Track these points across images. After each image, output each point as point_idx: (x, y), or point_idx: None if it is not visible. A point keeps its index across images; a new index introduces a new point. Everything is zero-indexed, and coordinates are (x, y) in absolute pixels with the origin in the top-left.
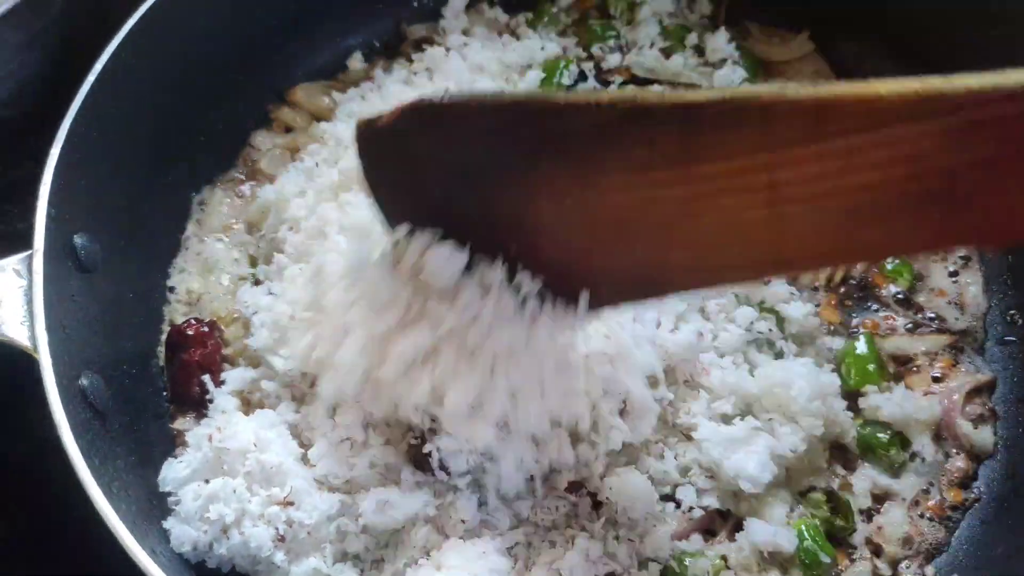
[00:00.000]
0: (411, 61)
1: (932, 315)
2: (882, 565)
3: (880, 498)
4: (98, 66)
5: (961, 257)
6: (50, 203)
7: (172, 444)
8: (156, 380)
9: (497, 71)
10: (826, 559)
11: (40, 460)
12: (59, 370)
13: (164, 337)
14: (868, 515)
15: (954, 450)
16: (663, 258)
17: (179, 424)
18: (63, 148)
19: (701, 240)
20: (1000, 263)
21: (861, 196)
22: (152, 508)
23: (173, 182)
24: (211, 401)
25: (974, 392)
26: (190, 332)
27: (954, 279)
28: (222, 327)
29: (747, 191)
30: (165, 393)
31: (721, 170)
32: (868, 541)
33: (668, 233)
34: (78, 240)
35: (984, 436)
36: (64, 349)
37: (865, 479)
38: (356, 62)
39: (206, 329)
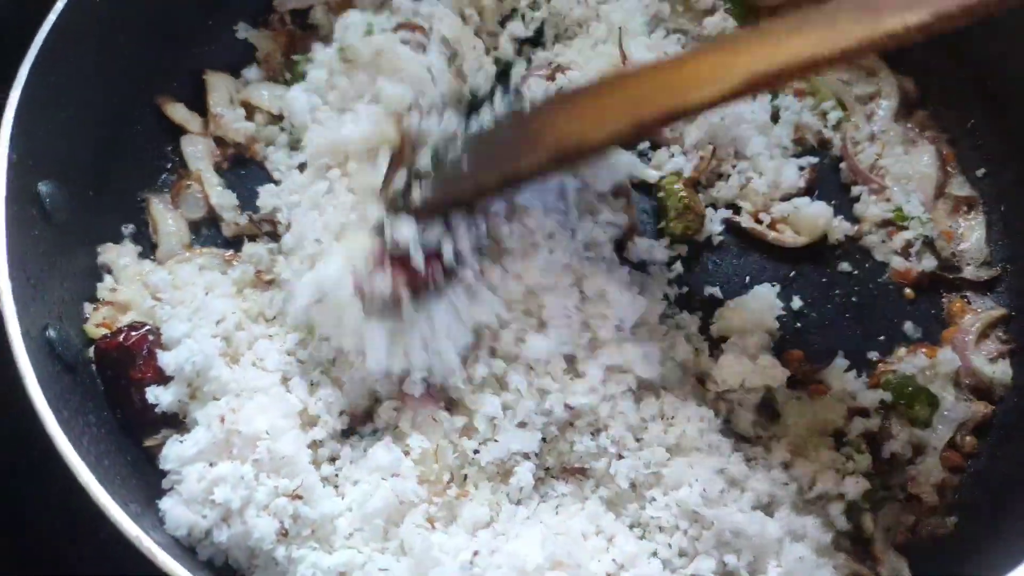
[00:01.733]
0: None
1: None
2: None
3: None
4: (59, 5)
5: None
6: (11, 147)
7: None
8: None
9: None
10: None
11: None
12: (25, 320)
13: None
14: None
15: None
16: None
17: (152, 441)
18: (23, 92)
19: None
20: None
21: None
22: (125, 464)
23: (143, 131)
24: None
25: (989, 329)
26: (130, 343)
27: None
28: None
29: None
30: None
31: None
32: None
33: None
34: (43, 188)
35: (1003, 371)
36: (30, 299)
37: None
38: None
39: (142, 332)
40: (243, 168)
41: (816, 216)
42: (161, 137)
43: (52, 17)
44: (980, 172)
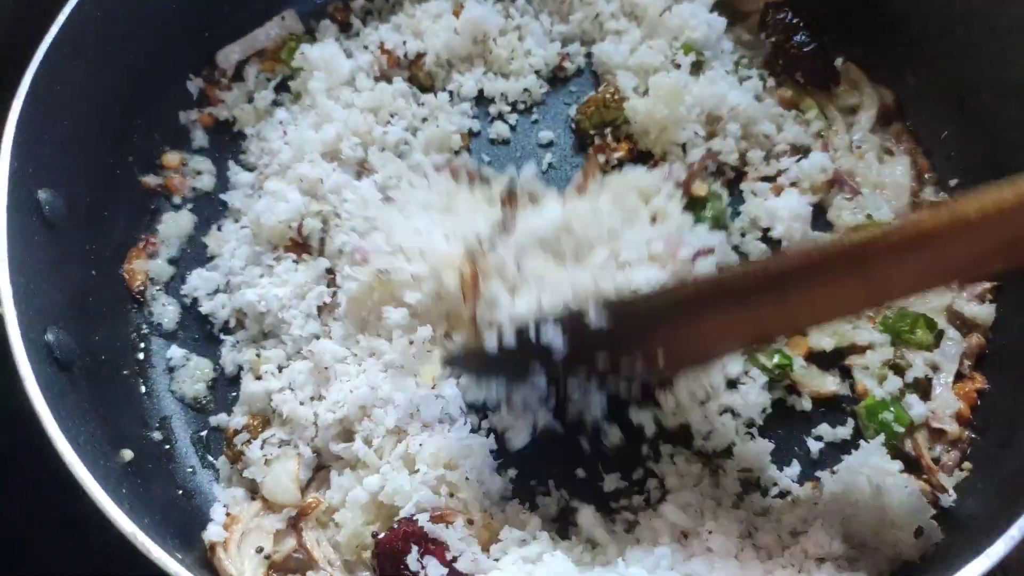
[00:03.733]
0: None
1: None
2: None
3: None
4: (61, 18)
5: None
6: (12, 156)
7: (138, 402)
8: (120, 337)
9: None
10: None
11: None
12: (24, 324)
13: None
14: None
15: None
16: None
17: None
18: (25, 102)
19: None
20: None
21: None
22: (117, 464)
23: (140, 141)
24: None
25: None
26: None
27: None
28: None
29: None
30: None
31: None
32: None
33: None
34: (42, 195)
35: (986, 311)
36: (29, 303)
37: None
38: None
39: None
40: None
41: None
42: (154, 150)
43: (54, 29)
44: (954, 182)
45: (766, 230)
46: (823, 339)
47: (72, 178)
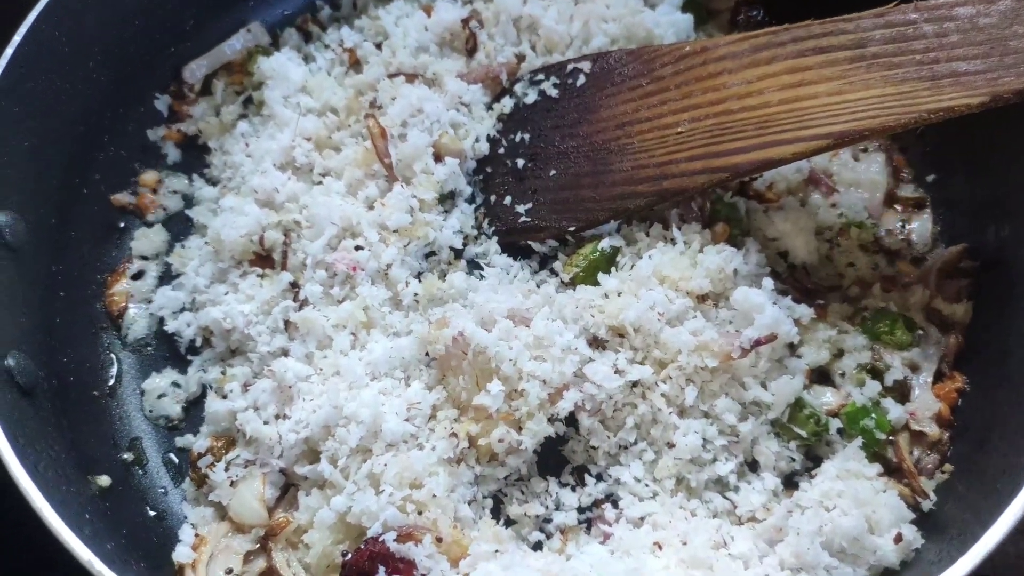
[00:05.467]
0: None
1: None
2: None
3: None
4: (17, 37)
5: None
6: None
7: (108, 423)
8: (89, 358)
9: None
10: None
11: None
12: None
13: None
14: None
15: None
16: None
17: None
18: None
19: None
20: None
21: None
22: (82, 488)
23: (108, 159)
24: None
25: (948, 267)
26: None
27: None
28: None
29: None
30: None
31: None
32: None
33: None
34: (2, 218)
35: (963, 309)
36: None
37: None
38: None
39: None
40: None
41: None
42: (123, 168)
43: (9, 51)
44: (931, 178)
45: None
46: (820, 353)
47: (35, 199)
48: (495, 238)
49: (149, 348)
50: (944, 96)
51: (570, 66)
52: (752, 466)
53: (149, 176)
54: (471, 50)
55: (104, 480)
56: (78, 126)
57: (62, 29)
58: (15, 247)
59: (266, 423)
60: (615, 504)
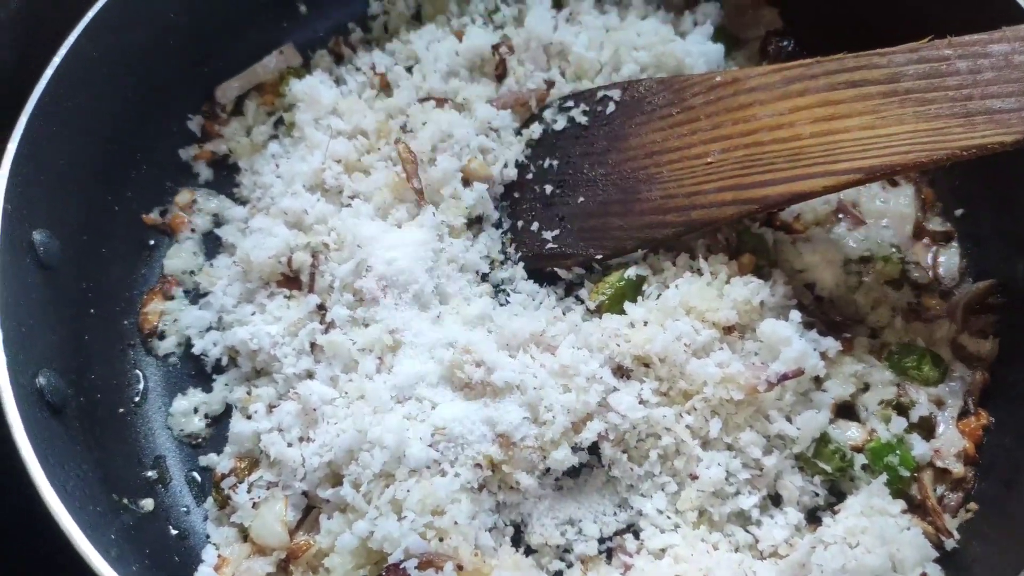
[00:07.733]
0: None
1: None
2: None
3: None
4: (56, 60)
5: None
6: (6, 199)
7: (133, 441)
8: (116, 375)
9: None
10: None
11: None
12: (14, 368)
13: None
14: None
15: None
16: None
17: None
18: (20, 144)
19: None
20: None
21: None
22: (109, 509)
23: (140, 178)
24: None
25: (976, 302)
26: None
27: None
28: None
29: None
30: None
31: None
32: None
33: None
34: (37, 236)
35: (989, 346)
36: (21, 346)
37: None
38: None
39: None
40: None
41: None
42: (155, 187)
43: (49, 72)
44: (959, 212)
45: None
46: (846, 387)
47: (68, 218)
48: (521, 264)
49: (176, 365)
50: (977, 133)
51: (600, 94)
52: (775, 500)
53: (183, 196)
54: (501, 76)
55: (148, 503)
56: (112, 145)
57: (100, 48)
58: (49, 265)
59: (290, 445)
60: (636, 535)
